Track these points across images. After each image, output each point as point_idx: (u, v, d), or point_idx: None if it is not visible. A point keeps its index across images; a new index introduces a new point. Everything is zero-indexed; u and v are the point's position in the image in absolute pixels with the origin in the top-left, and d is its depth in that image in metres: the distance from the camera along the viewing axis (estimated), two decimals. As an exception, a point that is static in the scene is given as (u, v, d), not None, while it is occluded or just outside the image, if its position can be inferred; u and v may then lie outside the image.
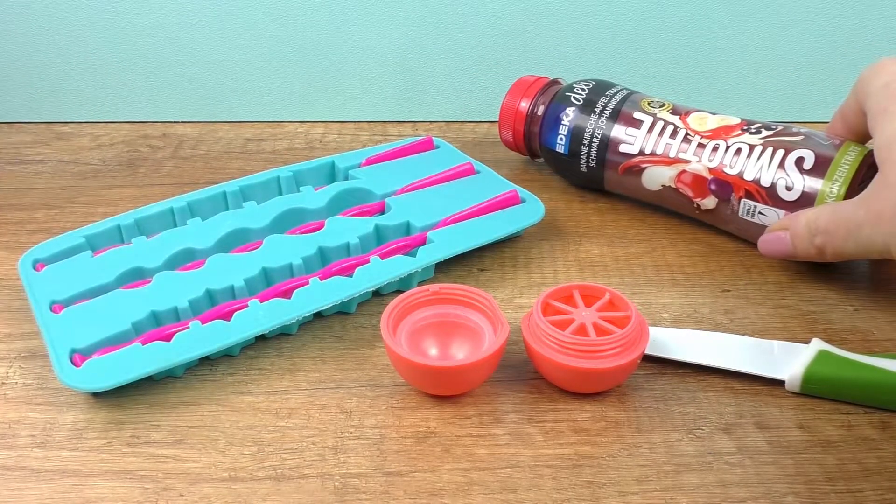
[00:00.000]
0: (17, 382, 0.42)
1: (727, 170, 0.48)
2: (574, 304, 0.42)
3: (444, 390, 0.41)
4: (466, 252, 0.48)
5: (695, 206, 0.51)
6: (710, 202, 0.50)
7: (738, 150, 0.48)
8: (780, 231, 0.46)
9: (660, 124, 0.51)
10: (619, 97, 0.53)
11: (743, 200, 0.48)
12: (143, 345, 0.41)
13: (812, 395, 0.40)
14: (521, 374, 0.42)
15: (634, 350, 0.39)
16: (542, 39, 0.64)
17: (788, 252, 0.46)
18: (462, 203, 0.51)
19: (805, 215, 0.45)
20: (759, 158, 0.47)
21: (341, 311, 0.46)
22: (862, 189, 0.46)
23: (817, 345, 0.41)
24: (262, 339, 0.44)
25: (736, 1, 0.63)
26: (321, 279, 0.45)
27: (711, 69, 0.65)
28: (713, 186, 0.49)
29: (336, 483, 0.36)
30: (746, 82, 0.65)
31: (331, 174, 0.55)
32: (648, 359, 0.42)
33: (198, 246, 0.48)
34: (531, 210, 0.51)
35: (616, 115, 0.52)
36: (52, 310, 0.43)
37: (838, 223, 0.43)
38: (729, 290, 0.48)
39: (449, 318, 0.43)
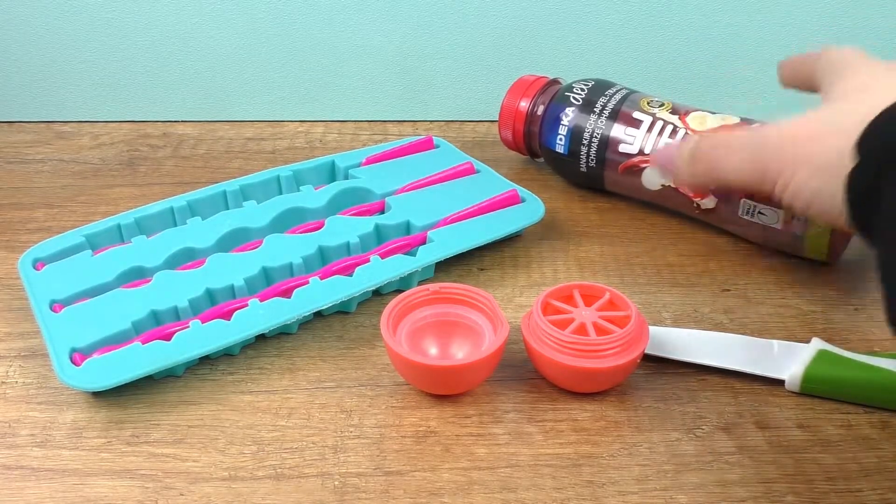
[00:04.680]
0: (17, 381, 0.42)
1: None
2: (574, 304, 0.42)
3: (443, 390, 0.41)
4: (466, 251, 0.48)
5: (695, 205, 0.50)
6: (709, 202, 0.50)
7: None
8: (674, 144, 0.44)
9: (659, 124, 0.51)
10: (618, 97, 0.53)
11: (743, 200, 0.48)
12: (143, 344, 0.41)
13: (812, 395, 0.40)
14: (520, 374, 0.42)
15: (634, 349, 0.39)
16: (542, 39, 0.64)
17: (669, 159, 0.43)
18: (462, 202, 0.51)
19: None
20: None
21: (341, 311, 0.46)
22: None
23: (817, 344, 0.41)
24: (262, 338, 0.44)
25: (736, 1, 0.63)
26: (321, 278, 0.45)
27: (712, 69, 0.65)
28: (712, 186, 0.49)
29: (336, 482, 0.37)
30: (746, 82, 0.65)
31: (331, 173, 0.55)
32: (648, 358, 0.42)
33: (198, 245, 0.48)
34: (531, 209, 0.51)
35: (615, 115, 0.52)
36: (52, 309, 0.43)
37: (737, 134, 0.40)
38: (729, 290, 0.48)
39: (449, 317, 0.43)
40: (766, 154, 0.38)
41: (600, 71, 0.64)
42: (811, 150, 0.35)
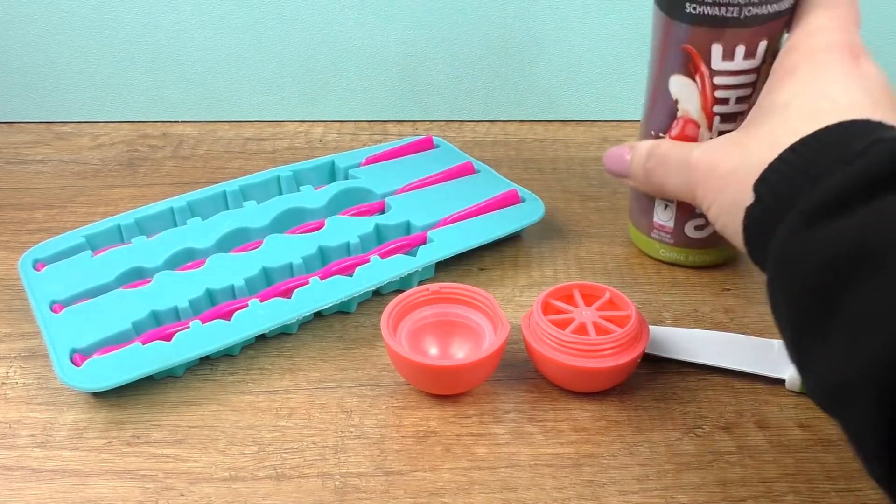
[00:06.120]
0: (17, 382, 0.42)
1: None
2: (574, 304, 0.42)
3: (444, 389, 0.41)
4: (466, 251, 0.48)
5: None
6: None
7: None
8: (626, 148, 0.45)
9: None
10: None
11: None
12: (144, 344, 0.41)
13: (812, 394, 0.40)
14: (521, 374, 0.42)
15: (634, 349, 0.39)
16: (542, 39, 0.64)
17: (623, 170, 0.45)
18: (462, 202, 0.51)
19: (652, 141, 0.44)
20: None
21: (341, 311, 0.46)
22: None
23: (817, 344, 0.41)
24: (262, 338, 0.44)
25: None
26: (321, 279, 0.45)
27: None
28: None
29: (336, 482, 0.37)
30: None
31: (331, 173, 0.55)
32: (649, 358, 0.42)
33: (198, 245, 0.48)
34: (531, 209, 0.51)
35: None
36: (52, 309, 0.43)
37: (675, 157, 0.41)
38: (729, 289, 0.48)
39: (449, 317, 0.43)
40: (692, 180, 0.40)
41: (601, 71, 0.65)
42: (724, 186, 0.37)
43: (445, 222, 0.50)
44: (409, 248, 0.48)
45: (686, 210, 0.47)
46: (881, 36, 0.64)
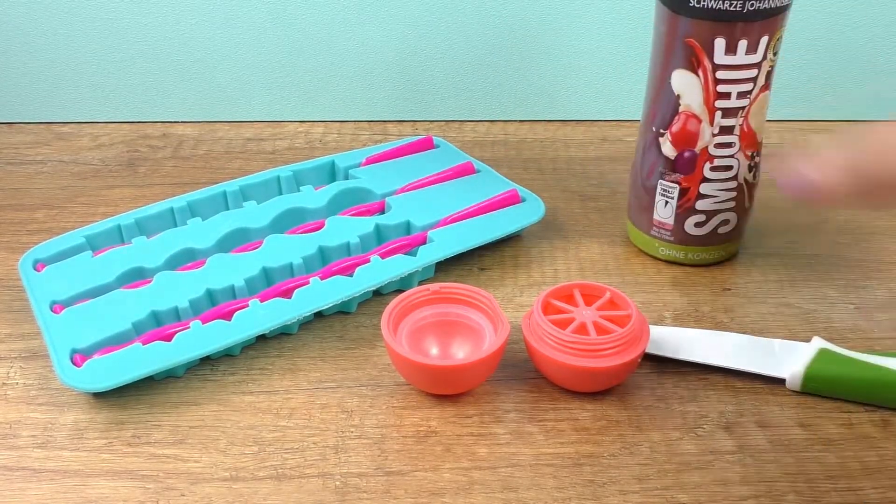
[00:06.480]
0: (17, 383, 0.42)
1: None
2: (574, 303, 0.42)
3: (444, 389, 0.41)
4: (467, 251, 0.48)
5: None
6: None
7: None
8: (808, 169, 0.35)
9: None
10: None
11: None
12: (144, 345, 0.41)
13: (813, 394, 0.40)
14: (521, 374, 0.42)
15: (635, 349, 0.39)
16: (541, 39, 0.64)
17: (810, 193, 0.36)
18: (462, 202, 0.51)
19: (841, 156, 0.35)
20: None
21: (342, 311, 0.46)
22: None
23: (818, 343, 0.41)
24: (262, 338, 0.44)
25: None
26: (321, 279, 0.45)
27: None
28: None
29: (337, 482, 0.37)
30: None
31: (331, 174, 0.55)
32: (649, 357, 0.42)
33: (198, 246, 0.48)
34: (531, 209, 0.51)
35: None
36: (52, 310, 0.43)
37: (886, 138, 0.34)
38: (730, 289, 0.48)
39: (449, 317, 0.43)
40: None
41: (602, 73, 0.65)
42: None
43: (445, 222, 0.50)
44: (409, 248, 0.48)
45: (686, 207, 0.47)
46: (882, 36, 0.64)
